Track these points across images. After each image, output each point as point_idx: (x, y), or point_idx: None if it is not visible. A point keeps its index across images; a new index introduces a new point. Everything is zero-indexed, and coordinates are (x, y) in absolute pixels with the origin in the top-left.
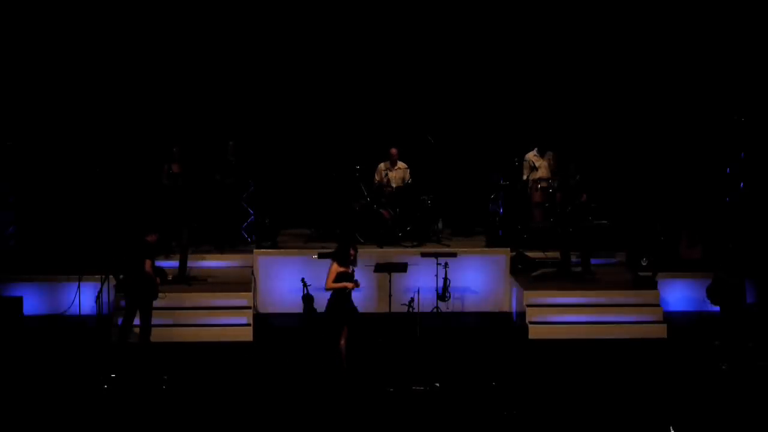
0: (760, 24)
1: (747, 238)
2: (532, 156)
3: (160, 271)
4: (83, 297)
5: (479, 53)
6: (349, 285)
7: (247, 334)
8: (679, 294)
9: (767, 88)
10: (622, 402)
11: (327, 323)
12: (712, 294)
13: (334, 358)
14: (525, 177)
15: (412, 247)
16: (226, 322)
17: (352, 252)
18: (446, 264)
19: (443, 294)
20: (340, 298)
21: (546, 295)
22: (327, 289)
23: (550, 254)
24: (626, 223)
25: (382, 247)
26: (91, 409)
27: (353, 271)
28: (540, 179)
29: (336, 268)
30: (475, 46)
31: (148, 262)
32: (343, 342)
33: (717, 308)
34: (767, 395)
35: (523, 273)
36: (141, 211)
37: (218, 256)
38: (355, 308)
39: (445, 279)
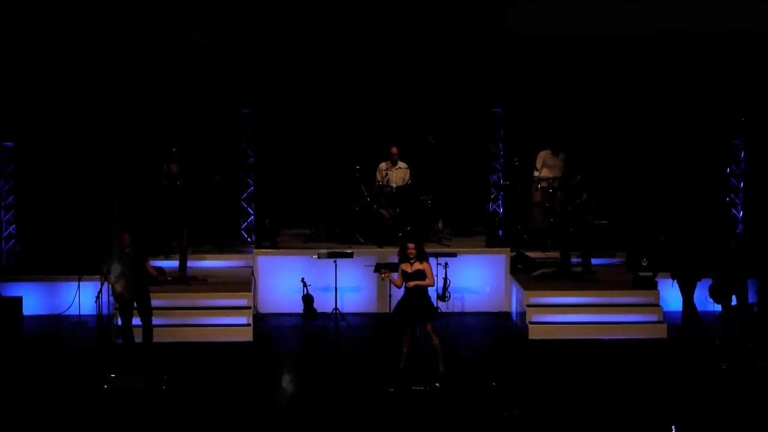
0: (759, 24)
1: (748, 237)
2: (547, 155)
3: (160, 271)
4: (83, 297)
5: (479, 53)
6: (395, 280)
7: (247, 334)
8: (679, 294)
9: (767, 88)
10: (623, 402)
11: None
12: (714, 293)
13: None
14: (538, 173)
15: None
16: (226, 322)
17: (408, 246)
18: (446, 264)
19: (443, 294)
20: (405, 296)
21: (546, 295)
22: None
23: (550, 254)
24: (626, 223)
25: (382, 247)
26: (91, 409)
27: (417, 266)
28: (541, 179)
29: (400, 266)
30: (474, 46)
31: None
32: (406, 339)
33: (715, 309)
34: (767, 395)
35: (523, 273)
36: (141, 210)
37: (218, 256)
38: (421, 308)
39: (445, 279)
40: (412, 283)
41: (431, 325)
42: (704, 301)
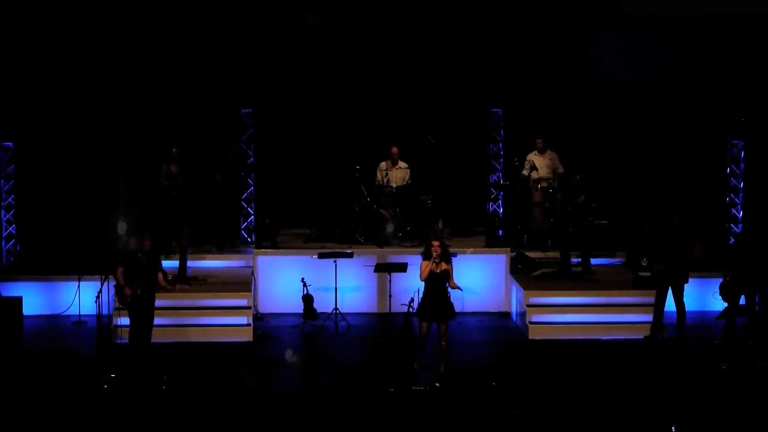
0: (759, 25)
1: (749, 237)
2: (532, 156)
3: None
4: (83, 297)
5: (479, 53)
6: (425, 271)
7: (247, 334)
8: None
9: (767, 88)
10: (623, 402)
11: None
12: (725, 291)
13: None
14: (526, 173)
15: (412, 247)
16: (226, 322)
17: (433, 244)
18: None
19: None
20: (426, 295)
21: (546, 295)
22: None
23: (550, 254)
24: (626, 223)
25: (382, 247)
26: (91, 409)
27: (443, 266)
28: (540, 179)
29: (424, 263)
30: (474, 46)
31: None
32: (424, 330)
33: (715, 309)
34: (767, 395)
35: (523, 273)
36: (140, 211)
37: (218, 256)
38: (443, 308)
39: None
40: (453, 285)
41: (446, 326)
42: (704, 300)
